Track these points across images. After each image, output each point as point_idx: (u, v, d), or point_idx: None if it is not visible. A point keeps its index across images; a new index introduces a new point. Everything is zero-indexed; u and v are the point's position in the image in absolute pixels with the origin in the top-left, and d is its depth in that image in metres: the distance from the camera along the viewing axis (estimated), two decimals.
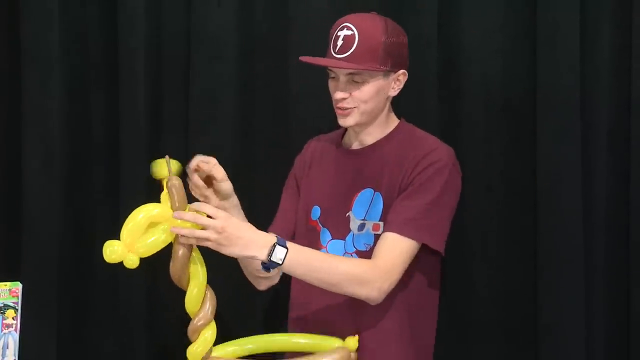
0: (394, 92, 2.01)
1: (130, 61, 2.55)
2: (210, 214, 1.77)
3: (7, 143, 2.67)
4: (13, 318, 1.81)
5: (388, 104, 2.04)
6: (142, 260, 1.72)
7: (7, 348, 1.81)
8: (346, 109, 1.97)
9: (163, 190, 1.78)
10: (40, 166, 2.59)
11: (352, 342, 1.92)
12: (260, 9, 2.52)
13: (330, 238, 2.02)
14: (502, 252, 2.37)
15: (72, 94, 2.63)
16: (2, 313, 1.80)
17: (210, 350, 1.82)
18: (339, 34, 1.94)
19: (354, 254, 1.98)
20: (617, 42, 2.28)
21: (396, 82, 2.00)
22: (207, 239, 1.75)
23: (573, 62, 2.27)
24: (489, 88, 2.38)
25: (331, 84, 2.01)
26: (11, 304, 1.81)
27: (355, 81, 1.95)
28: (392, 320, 1.96)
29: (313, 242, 2.02)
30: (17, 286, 1.82)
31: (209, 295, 1.81)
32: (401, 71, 1.99)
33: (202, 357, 1.80)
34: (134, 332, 2.59)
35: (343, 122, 1.99)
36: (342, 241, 2.00)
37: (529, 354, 2.34)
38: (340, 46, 1.93)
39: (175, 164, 1.80)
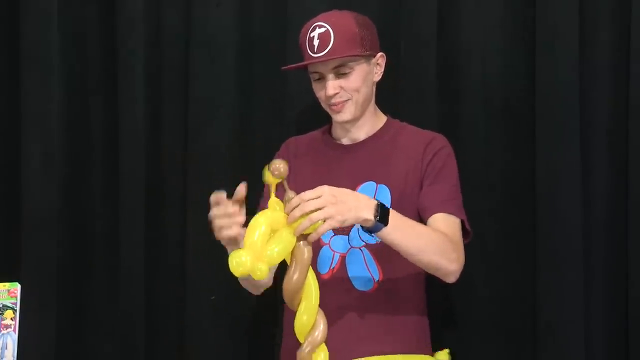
0: (377, 77, 2.05)
1: (130, 62, 2.55)
2: (311, 196, 1.66)
3: (7, 143, 2.67)
4: (12, 319, 1.81)
5: (374, 98, 2.06)
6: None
7: (6, 349, 1.81)
8: (340, 103, 1.98)
9: (271, 195, 1.68)
10: (39, 166, 2.59)
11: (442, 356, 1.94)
12: (259, 9, 2.52)
13: (333, 234, 1.99)
14: (501, 252, 2.36)
15: (72, 95, 2.63)
16: (0, 314, 1.80)
17: None
18: (311, 35, 1.96)
19: (362, 248, 1.97)
20: (617, 42, 2.28)
21: (377, 67, 2.04)
22: (328, 215, 1.65)
23: (572, 62, 2.26)
24: (488, 88, 2.37)
25: (316, 86, 2.02)
26: (10, 305, 1.81)
27: (342, 73, 1.97)
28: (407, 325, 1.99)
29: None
30: (16, 287, 1.82)
31: (319, 320, 1.68)
32: (379, 54, 2.04)
33: None
34: (134, 332, 2.58)
35: (339, 117, 2.01)
36: (346, 236, 1.98)
37: (528, 353, 2.34)
38: (318, 45, 1.94)
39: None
